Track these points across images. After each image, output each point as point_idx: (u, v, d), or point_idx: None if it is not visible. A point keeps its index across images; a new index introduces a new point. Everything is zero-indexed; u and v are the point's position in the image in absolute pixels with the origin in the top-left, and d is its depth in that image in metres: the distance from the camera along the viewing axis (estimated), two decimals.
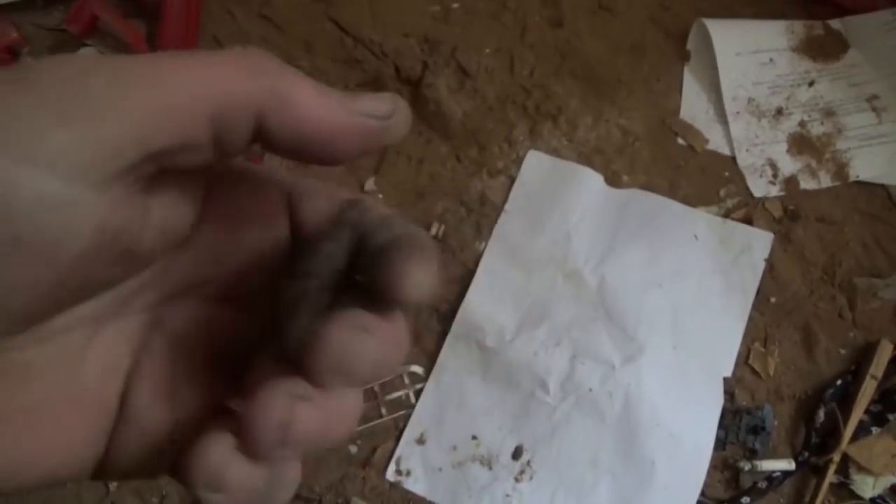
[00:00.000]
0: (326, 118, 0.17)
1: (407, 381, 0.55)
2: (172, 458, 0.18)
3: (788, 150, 0.63)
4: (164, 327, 0.19)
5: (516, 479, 0.53)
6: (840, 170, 0.62)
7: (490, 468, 0.53)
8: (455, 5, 0.66)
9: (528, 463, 0.53)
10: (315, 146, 0.17)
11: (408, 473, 0.53)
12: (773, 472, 0.53)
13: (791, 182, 0.61)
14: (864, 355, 0.56)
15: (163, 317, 0.20)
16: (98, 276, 0.16)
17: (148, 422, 0.18)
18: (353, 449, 0.54)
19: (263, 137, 0.17)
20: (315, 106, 0.16)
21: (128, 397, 0.18)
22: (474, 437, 0.54)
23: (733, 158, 0.62)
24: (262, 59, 0.16)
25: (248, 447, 0.16)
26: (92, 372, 0.18)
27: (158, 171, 0.16)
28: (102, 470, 0.18)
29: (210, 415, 0.18)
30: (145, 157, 0.15)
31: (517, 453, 0.54)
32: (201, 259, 0.19)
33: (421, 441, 0.54)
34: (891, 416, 0.54)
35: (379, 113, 0.17)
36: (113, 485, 0.52)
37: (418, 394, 0.55)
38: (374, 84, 0.63)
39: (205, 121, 0.15)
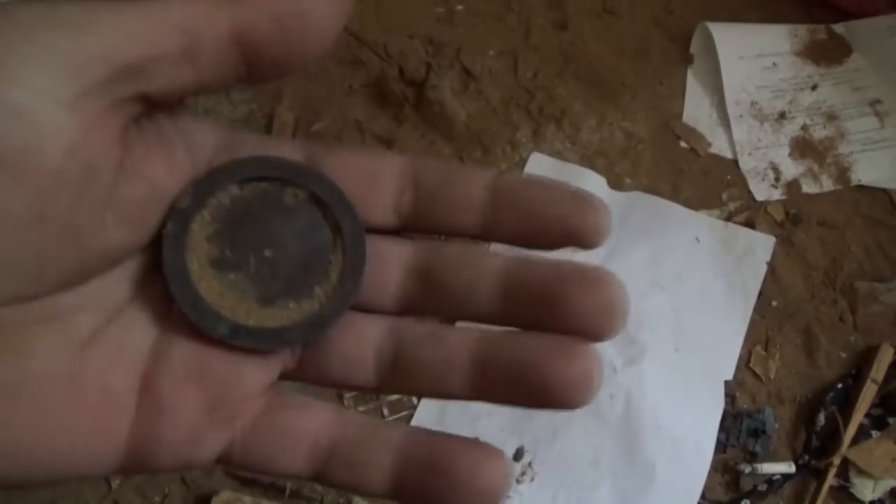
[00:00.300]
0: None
1: None
2: (216, 444, 0.18)
3: (791, 154, 0.63)
4: None
5: (517, 481, 0.53)
6: (842, 174, 0.62)
7: None
8: (459, 7, 0.66)
9: (530, 464, 0.54)
10: (294, 24, 0.16)
11: None
12: (774, 474, 0.53)
13: (793, 186, 0.62)
14: (864, 359, 0.56)
15: None
16: (82, 221, 0.16)
17: (176, 407, 0.18)
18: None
19: (247, 48, 0.16)
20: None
21: (150, 384, 0.18)
22: (476, 438, 0.54)
23: (736, 162, 0.62)
24: None
25: None
26: (100, 358, 0.17)
27: (139, 100, 0.16)
28: (140, 464, 0.18)
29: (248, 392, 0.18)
30: (115, 74, 0.15)
31: (518, 454, 0.54)
32: None
33: None
34: (891, 420, 0.54)
35: None
36: (115, 482, 0.52)
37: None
38: (378, 85, 0.63)
39: (172, 35, 0.15)
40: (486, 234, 0.19)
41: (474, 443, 0.18)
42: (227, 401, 0.18)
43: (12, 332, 0.16)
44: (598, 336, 0.17)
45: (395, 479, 0.18)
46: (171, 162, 0.18)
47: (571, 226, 0.18)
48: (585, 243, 0.18)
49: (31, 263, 0.15)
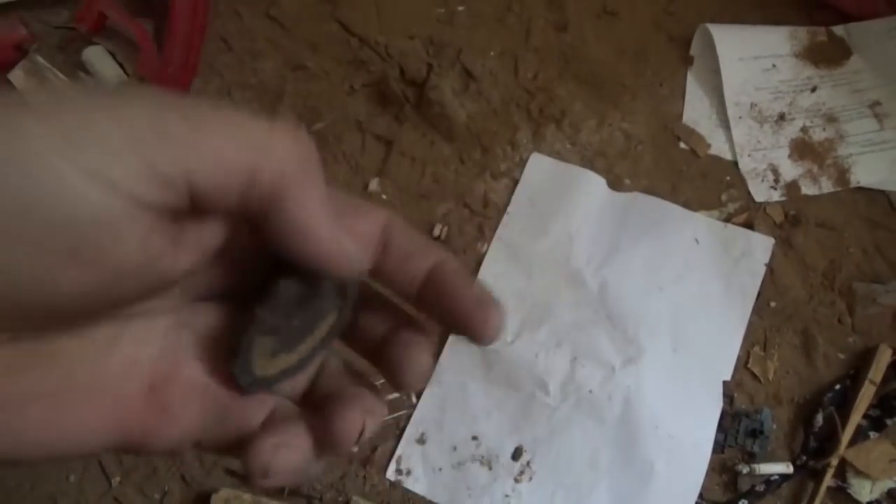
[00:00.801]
0: (318, 234, 0.18)
1: None
2: (213, 444, 0.21)
3: (790, 156, 0.63)
4: (191, 327, 0.21)
5: (516, 480, 0.53)
6: (841, 176, 0.62)
7: (490, 468, 0.54)
8: (460, 8, 0.66)
9: (528, 463, 0.54)
10: (295, 250, 0.18)
11: (408, 473, 0.54)
12: (772, 475, 0.53)
13: (792, 187, 0.62)
14: (862, 360, 0.57)
15: (188, 318, 0.21)
16: (136, 292, 0.18)
17: (183, 416, 0.20)
18: (354, 448, 0.54)
19: (256, 217, 0.18)
20: (317, 218, 0.18)
21: (161, 393, 0.20)
22: (474, 438, 0.54)
23: (735, 163, 0.63)
24: (301, 140, 0.18)
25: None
26: (116, 366, 0.19)
27: (192, 206, 0.17)
28: (131, 448, 0.20)
29: (241, 402, 0.21)
30: (187, 193, 0.16)
31: (517, 454, 0.54)
32: (229, 271, 0.21)
33: (421, 441, 0.55)
34: (889, 421, 0.54)
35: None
36: (115, 479, 0.52)
37: (419, 394, 0.55)
38: (379, 85, 0.63)
39: (243, 175, 0.17)
40: (415, 303, 0.22)
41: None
42: (226, 419, 0.21)
43: (41, 343, 0.18)
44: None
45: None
46: (217, 227, 0.20)
47: (469, 327, 0.21)
48: (474, 342, 0.22)
49: (82, 314, 0.18)
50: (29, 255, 0.15)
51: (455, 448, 0.54)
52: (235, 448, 0.20)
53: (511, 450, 0.54)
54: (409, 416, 0.55)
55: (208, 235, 0.19)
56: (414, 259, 0.22)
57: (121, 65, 0.61)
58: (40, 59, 0.61)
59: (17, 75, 0.61)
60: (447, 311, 0.21)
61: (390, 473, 0.54)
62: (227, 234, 0.20)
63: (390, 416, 0.55)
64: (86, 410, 0.18)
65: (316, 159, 0.18)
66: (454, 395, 0.55)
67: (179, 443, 0.20)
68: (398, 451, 0.54)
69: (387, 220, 0.22)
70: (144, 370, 0.20)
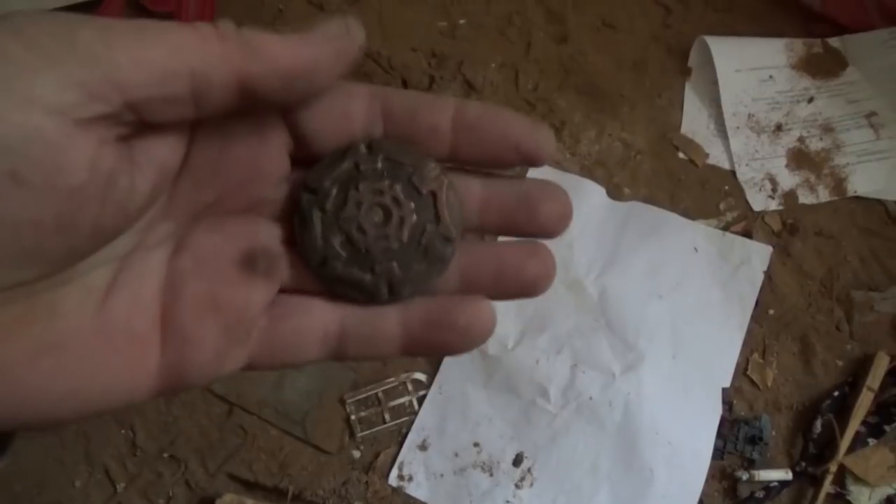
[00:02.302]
0: (298, 52, 0.18)
1: (410, 388, 0.56)
2: (238, 359, 0.20)
3: (787, 165, 0.64)
4: (191, 249, 0.21)
5: (517, 486, 0.54)
6: (838, 185, 0.63)
7: (491, 474, 0.54)
8: (462, 21, 0.68)
9: (529, 470, 0.54)
10: (300, 81, 0.18)
11: (410, 479, 0.54)
12: (771, 481, 0.54)
13: (790, 196, 0.62)
14: (861, 367, 0.57)
15: (186, 241, 0.21)
16: (108, 221, 0.18)
17: (204, 337, 0.20)
18: (357, 454, 0.55)
19: (248, 94, 0.18)
20: (283, 47, 0.18)
21: (172, 321, 0.20)
22: (476, 444, 0.55)
23: (733, 172, 0.63)
24: (230, 26, 0.18)
25: None
26: (120, 307, 0.19)
27: (140, 121, 0.17)
28: (173, 389, 0.20)
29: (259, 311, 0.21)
30: (126, 105, 0.16)
31: (518, 460, 0.55)
32: (201, 179, 0.21)
33: (423, 447, 0.55)
34: (887, 428, 0.54)
35: (337, 31, 0.19)
36: (121, 485, 0.53)
37: (421, 401, 0.56)
38: None
39: (184, 77, 0.17)
40: (452, 158, 0.22)
41: (464, 298, 0.21)
42: (241, 321, 0.20)
43: (38, 297, 0.18)
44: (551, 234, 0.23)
45: (405, 341, 0.21)
46: (171, 142, 0.19)
47: (524, 150, 0.21)
48: (535, 162, 0.21)
49: (61, 253, 0.17)
50: None
51: (457, 454, 0.55)
52: (290, 353, 0.21)
53: (512, 456, 0.55)
54: (410, 423, 0.55)
55: (165, 151, 0.19)
56: (424, 113, 0.21)
57: None
58: None
59: None
60: (493, 146, 0.21)
61: (392, 479, 0.54)
62: (186, 148, 0.20)
63: (392, 423, 0.55)
64: (101, 357, 0.18)
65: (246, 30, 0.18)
66: (455, 402, 0.56)
67: (216, 365, 0.20)
68: (400, 458, 0.55)
69: (375, 91, 0.21)
70: (150, 305, 0.20)
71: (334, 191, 0.21)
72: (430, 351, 0.22)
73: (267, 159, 0.21)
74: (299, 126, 0.21)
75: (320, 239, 0.21)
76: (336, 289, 0.21)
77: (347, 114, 0.21)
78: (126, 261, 0.20)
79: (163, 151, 0.19)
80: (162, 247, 0.20)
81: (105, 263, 0.19)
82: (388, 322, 0.21)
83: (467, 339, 0.21)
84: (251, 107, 0.18)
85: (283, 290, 0.22)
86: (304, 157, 0.22)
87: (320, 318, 0.21)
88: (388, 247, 0.21)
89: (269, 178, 0.21)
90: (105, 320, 0.19)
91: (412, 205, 0.21)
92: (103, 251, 0.19)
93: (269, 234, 0.21)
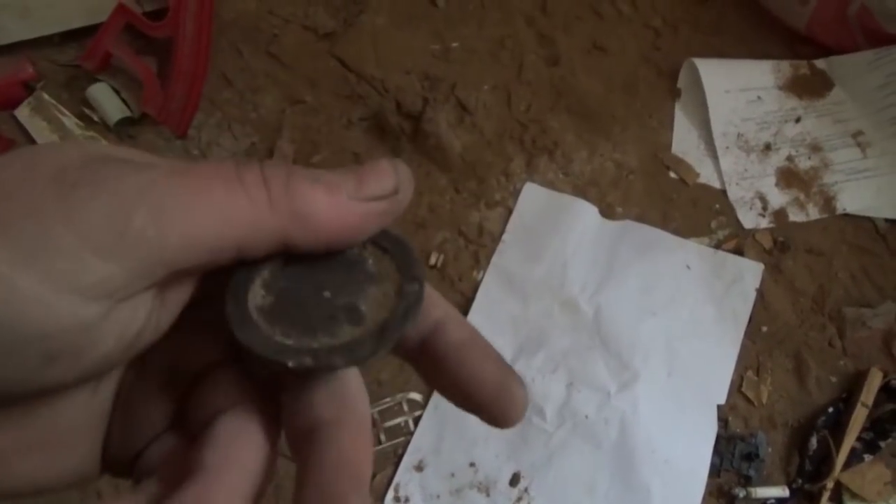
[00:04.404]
0: (342, 219, 0.18)
1: (406, 408, 0.56)
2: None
3: (777, 184, 0.65)
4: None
5: None
6: (827, 203, 0.64)
7: (488, 495, 0.54)
8: (455, 44, 0.69)
9: (526, 489, 0.54)
10: (336, 244, 0.18)
11: (406, 500, 0.54)
12: (768, 498, 0.54)
13: (780, 214, 0.63)
14: (854, 383, 0.57)
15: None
16: (124, 355, 0.18)
17: (115, 448, 0.20)
18: None
19: (289, 247, 0.18)
20: (330, 211, 0.17)
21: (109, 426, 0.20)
22: (472, 464, 0.55)
23: (724, 191, 0.64)
24: (279, 178, 0.17)
25: None
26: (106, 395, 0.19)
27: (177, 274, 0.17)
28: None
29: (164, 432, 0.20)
30: (170, 274, 0.16)
31: (514, 480, 0.54)
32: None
33: (419, 468, 0.55)
34: (882, 444, 0.55)
35: (386, 192, 0.18)
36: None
37: (417, 421, 0.56)
38: (376, 118, 0.65)
39: (232, 249, 0.17)
40: (416, 364, 0.20)
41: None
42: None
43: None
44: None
45: None
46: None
47: (489, 412, 0.19)
48: (496, 425, 0.19)
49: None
50: (5, 366, 0.15)
51: (453, 475, 0.55)
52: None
53: (509, 476, 0.54)
54: (406, 443, 0.55)
55: (191, 285, 0.18)
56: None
57: (125, 101, 0.63)
58: (46, 97, 0.63)
59: (23, 112, 0.62)
60: (458, 392, 0.19)
61: (388, 501, 0.54)
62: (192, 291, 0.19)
63: (388, 443, 0.55)
64: (70, 451, 0.19)
65: (294, 173, 0.17)
66: (451, 422, 0.56)
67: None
68: (396, 479, 0.54)
69: None
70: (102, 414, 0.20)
71: None
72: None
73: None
74: None
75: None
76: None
77: None
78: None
79: (190, 287, 0.18)
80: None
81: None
82: None
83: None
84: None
85: None
86: None
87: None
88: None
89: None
90: (91, 408, 0.19)
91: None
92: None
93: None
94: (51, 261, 0.14)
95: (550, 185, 0.63)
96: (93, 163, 0.16)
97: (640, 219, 0.62)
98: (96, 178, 0.15)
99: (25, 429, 0.17)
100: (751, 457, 0.55)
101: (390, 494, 0.54)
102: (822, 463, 0.55)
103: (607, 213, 0.63)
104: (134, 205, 0.15)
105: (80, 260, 0.15)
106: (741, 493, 0.53)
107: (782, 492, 0.54)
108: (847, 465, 0.54)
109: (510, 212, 0.62)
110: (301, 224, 0.17)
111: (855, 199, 0.64)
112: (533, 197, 0.63)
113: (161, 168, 0.16)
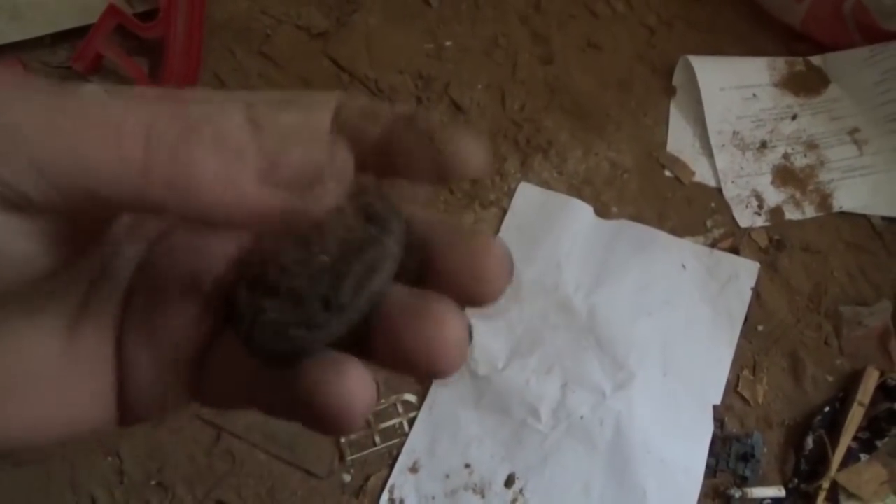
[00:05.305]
0: (235, 201, 0.15)
1: (400, 409, 0.56)
2: (186, 389, 0.19)
3: (773, 182, 0.64)
4: (145, 270, 0.19)
5: None
6: (824, 201, 0.64)
7: (483, 496, 0.54)
8: (448, 43, 0.68)
9: (521, 491, 0.54)
10: (222, 226, 0.16)
11: (401, 502, 0.54)
12: (764, 499, 0.53)
13: (776, 212, 0.63)
14: (851, 382, 0.57)
15: (147, 261, 0.19)
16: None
17: (140, 368, 0.19)
18: (347, 477, 0.54)
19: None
20: (221, 185, 0.15)
21: (121, 349, 0.19)
22: (467, 466, 0.55)
23: (719, 190, 0.64)
24: (169, 135, 0.14)
25: None
26: (88, 333, 0.19)
27: None
28: (126, 419, 0.19)
29: (199, 343, 0.19)
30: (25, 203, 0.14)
31: (510, 481, 0.54)
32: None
33: (414, 469, 0.55)
34: (879, 443, 0.54)
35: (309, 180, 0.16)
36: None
37: (411, 422, 0.56)
38: None
39: (86, 200, 0.14)
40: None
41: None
42: (175, 355, 0.19)
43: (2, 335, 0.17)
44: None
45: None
46: None
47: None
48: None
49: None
50: None
51: (448, 476, 0.54)
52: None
53: (504, 477, 0.54)
54: (401, 445, 0.55)
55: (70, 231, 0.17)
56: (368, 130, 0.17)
57: None
58: None
59: None
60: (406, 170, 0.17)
61: (383, 503, 0.54)
62: None
63: (383, 445, 0.55)
64: (69, 387, 0.18)
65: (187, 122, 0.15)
66: (446, 423, 0.55)
67: (155, 397, 0.19)
68: (391, 481, 0.54)
69: (339, 102, 0.17)
70: (112, 329, 0.19)
71: None
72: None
73: None
74: None
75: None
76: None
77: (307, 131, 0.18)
78: (95, 285, 0.19)
79: (71, 229, 0.17)
80: (130, 266, 0.19)
81: (73, 294, 0.19)
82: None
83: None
84: None
85: None
86: None
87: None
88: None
89: None
90: (72, 350, 0.18)
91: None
92: (71, 277, 0.18)
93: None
94: None
95: (545, 184, 0.63)
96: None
97: (636, 218, 0.62)
98: None
99: None
100: (747, 457, 0.54)
101: (385, 496, 0.54)
102: (819, 463, 0.55)
103: (602, 212, 0.62)
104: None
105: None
106: (737, 494, 0.53)
107: (778, 492, 0.53)
108: (843, 464, 0.54)
109: (505, 212, 0.62)
110: (181, 198, 0.14)
111: (851, 196, 0.64)
112: (527, 196, 0.62)
113: (52, 92, 0.14)
